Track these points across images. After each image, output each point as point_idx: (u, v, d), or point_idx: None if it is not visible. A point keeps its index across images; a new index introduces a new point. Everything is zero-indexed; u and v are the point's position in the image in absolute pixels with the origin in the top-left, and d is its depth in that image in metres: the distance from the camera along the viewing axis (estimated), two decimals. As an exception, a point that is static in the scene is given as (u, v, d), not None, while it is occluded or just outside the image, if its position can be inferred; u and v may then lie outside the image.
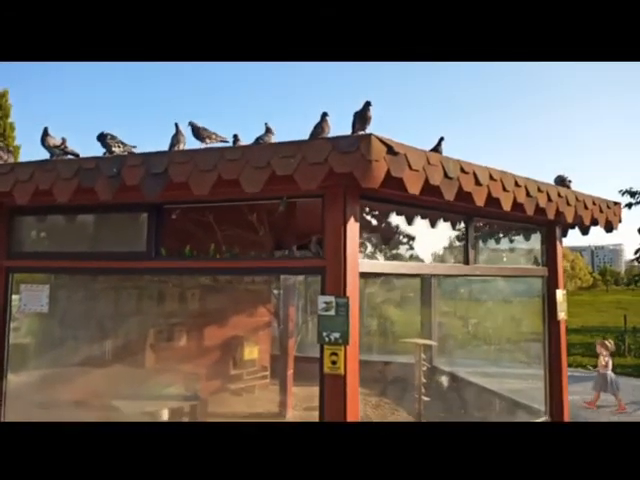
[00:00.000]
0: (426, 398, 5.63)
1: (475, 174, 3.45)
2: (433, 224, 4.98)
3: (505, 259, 5.69)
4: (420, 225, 4.88)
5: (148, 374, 5.75)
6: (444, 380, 6.33)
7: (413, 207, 3.88)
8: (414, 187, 3.05)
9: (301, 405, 6.72)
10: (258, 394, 7.13)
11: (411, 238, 5.09)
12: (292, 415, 6.23)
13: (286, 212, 5.66)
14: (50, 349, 5.40)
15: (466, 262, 4.35)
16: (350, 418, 3.25)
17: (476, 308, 8.68)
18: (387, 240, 4.96)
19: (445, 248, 5.70)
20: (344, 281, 3.31)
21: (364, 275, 3.54)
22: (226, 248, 3.81)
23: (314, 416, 6.57)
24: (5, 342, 4.31)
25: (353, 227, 3.38)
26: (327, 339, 3.33)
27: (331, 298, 3.32)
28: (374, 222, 4.40)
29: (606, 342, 8.58)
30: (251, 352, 7.29)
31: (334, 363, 3.30)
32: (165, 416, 5.29)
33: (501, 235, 5.68)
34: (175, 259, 3.81)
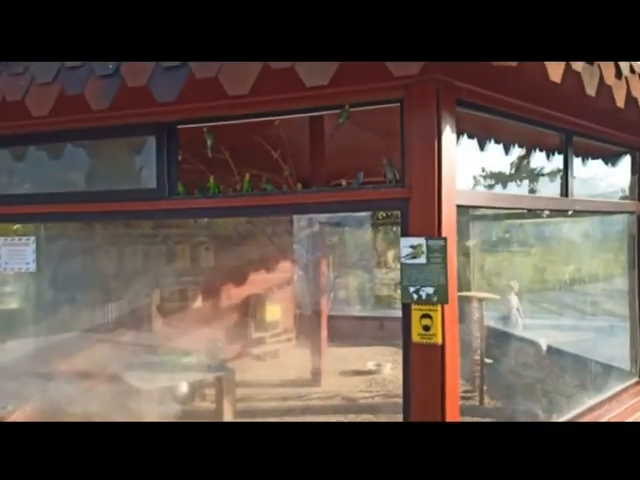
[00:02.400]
0: (489, 360, 4.84)
1: (617, 65, 2.48)
2: (507, 150, 4.03)
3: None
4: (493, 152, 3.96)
5: (162, 341, 4.92)
6: (499, 338, 5.52)
7: (514, 119, 2.91)
8: (555, 72, 2.08)
9: (335, 370, 5.97)
10: (284, 358, 6.36)
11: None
12: (327, 382, 5.47)
13: (315, 147, 4.69)
14: (43, 315, 4.52)
15: (565, 194, 3.42)
16: (450, 403, 2.40)
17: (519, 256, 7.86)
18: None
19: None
20: (439, 216, 2.39)
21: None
22: (265, 181, 2.87)
23: (351, 382, 5.88)
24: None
25: (450, 141, 2.43)
26: (416, 296, 2.43)
27: (420, 240, 2.41)
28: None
29: (511, 284, 8.33)
30: (273, 312, 6.47)
31: (427, 329, 2.41)
32: (185, 390, 4.50)
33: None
34: (198, 197, 2.87)
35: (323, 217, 6.90)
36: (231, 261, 5.93)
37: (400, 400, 2.56)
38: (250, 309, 6.34)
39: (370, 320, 8.08)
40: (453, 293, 2.42)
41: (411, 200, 2.44)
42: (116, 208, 2.96)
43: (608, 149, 4.16)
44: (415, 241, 2.43)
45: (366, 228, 10.36)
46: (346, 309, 8.67)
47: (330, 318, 5.87)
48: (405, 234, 2.47)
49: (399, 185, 2.52)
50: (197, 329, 5.36)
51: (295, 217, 7.12)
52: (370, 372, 5.83)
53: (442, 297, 2.39)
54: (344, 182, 2.83)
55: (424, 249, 2.41)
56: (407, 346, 2.49)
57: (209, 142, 2.79)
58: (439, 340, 2.39)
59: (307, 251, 6.34)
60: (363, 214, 9.75)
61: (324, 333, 5.51)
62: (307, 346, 5.81)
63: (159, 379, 4.18)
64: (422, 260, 2.42)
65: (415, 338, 2.44)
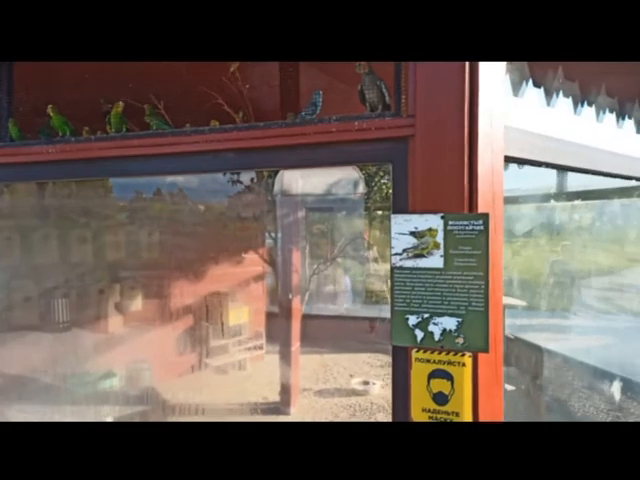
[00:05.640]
0: (510, 387, 3.63)
1: None
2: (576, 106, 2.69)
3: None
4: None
5: (75, 358, 3.69)
6: (531, 355, 4.29)
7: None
8: None
9: (311, 388, 4.77)
10: (250, 372, 5.15)
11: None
12: (300, 407, 4.28)
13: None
14: None
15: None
16: None
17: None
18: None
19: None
20: (470, 175, 1.17)
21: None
22: (150, 111, 1.62)
23: (330, 407, 4.69)
24: None
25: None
26: (421, 334, 1.21)
27: (432, 220, 1.19)
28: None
29: None
30: (239, 315, 5.25)
31: (441, 400, 1.20)
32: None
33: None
34: (36, 144, 1.63)
35: (310, 201, 5.83)
36: (182, 251, 4.70)
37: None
38: (209, 311, 5.11)
39: (358, 321, 6.87)
40: (498, 329, 1.20)
41: (414, 141, 1.22)
42: None
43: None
44: (421, 222, 1.20)
45: (359, 214, 9.21)
46: (331, 307, 7.44)
47: (309, 318, 4.68)
48: (400, 209, 1.24)
49: (392, 114, 1.29)
50: (132, 338, 4.16)
51: (278, 200, 5.93)
52: (355, 392, 4.64)
53: (477, 338, 1.17)
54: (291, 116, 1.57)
55: (439, 238, 1.19)
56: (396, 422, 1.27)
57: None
58: (468, 420, 1.18)
59: (285, 240, 5.13)
60: (354, 197, 8.56)
61: (296, 346, 4.30)
62: (278, 355, 4.60)
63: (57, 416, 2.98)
64: (435, 261, 1.20)
65: (416, 416, 1.22)
